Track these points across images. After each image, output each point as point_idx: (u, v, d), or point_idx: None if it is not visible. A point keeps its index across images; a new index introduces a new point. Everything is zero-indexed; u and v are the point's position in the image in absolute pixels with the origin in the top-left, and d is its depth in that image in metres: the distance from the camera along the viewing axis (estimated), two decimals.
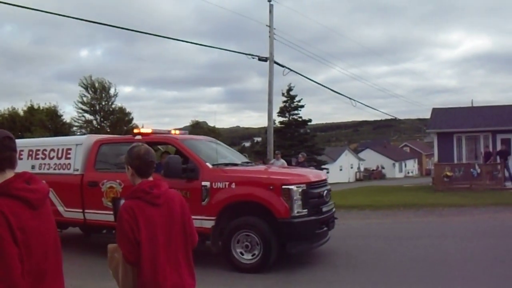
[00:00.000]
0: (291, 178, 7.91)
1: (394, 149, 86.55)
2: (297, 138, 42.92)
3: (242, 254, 7.74)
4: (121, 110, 37.80)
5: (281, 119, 44.68)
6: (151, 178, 2.96)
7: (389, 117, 62.81)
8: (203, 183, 7.91)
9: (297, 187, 7.62)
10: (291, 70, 23.26)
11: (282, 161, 18.32)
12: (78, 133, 36.77)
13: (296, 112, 44.31)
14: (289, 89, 43.74)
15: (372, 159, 75.75)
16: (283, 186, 7.59)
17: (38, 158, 9.86)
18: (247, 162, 9.38)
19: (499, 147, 22.76)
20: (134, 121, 39.81)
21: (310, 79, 25.68)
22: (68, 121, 36.69)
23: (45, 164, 9.70)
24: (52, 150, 9.66)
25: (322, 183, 8.40)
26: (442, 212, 14.80)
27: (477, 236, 10.35)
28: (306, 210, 7.66)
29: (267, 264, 7.63)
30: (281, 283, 7.26)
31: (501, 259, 8.04)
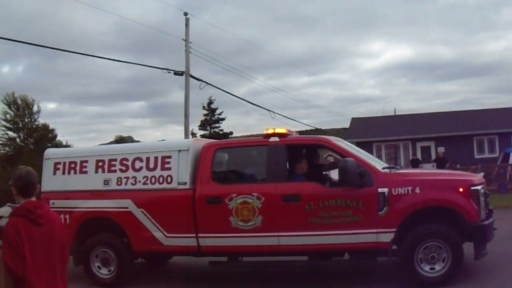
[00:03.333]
0: (474, 178, 6.02)
1: None
2: None
3: (425, 266, 5.58)
4: (45, 126, 31.40)
5: (203, 132, 41.31)
6: (33, 198, 2.80)
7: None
8: (380, 190, 5.56)
9: (481, 187, 5.83)
10: (208, 83, 20.21)
11: None
12: (2, 151, 29.47)
13: (217, 125, 40.75)
14: (210, 102, 39.76)
15: None
16: (472, 187, 5.68)
17: (114, 171, 6.30)
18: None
19: (419, 155, 22.64)
20: (58, 138, 33.49)
21: (228, 92, 23.16)
22: None
23: (127, 177, 6.20)
24: (138, 159, 6.21)
25: None
26: None
27: None
28: (486, 211, 5.92)
29: (455, 275, 5.61)
30: None
31: None
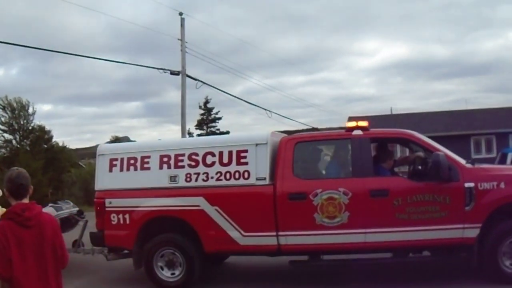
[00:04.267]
0: None
1: None
2: None
3: (507, 262, 5.22)
4: (41, 128, 29.88)
5: (199, 131, 40.07)
6: (25, 200, 2.71)
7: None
8: (466, 185, 5.20)
9: None
10: (204, 83, 19.73)
11: None
12: None
13: (213, 124, 39.42)
14: (206, 102, 38.60)
15: None
16: None
17: (181, 166, 5.71)
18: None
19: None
20: (54, 139, 31.72)
21: (224, 92, 22.11)
22: None
23: (197, 173, 5.63)
24: (210, 153, 5.64)
25: None
26: None
27: None
28: None
29: None
30: None
31: None
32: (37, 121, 30.05)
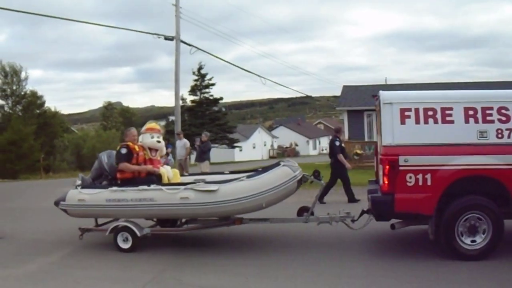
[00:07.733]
0: None
1: (308, 126, 68.58)
2: (208, 117, 36.09)
3: None
4: (33, 93, 25.66)
5: (193, 97, 37.02)
6: None
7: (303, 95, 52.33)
8: None
9: None
10: (199, 48, 19.01)
11: (185, 141, 13.85)
12: None
13: (207, 90, 36.92)
14: (200, 68, 36.14)
15: (286, 136, 58.68)
16: None
17: (491, 121, 4.90)
18: None
19: None
20: (47, 104, 27.81)
21: (219, 57, 21.04)
22: None
23: (509, 129, 4.87)
24: None
25: None
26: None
27: None
28: None
29: None
30: None
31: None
32: (29, 87, 26.27)
